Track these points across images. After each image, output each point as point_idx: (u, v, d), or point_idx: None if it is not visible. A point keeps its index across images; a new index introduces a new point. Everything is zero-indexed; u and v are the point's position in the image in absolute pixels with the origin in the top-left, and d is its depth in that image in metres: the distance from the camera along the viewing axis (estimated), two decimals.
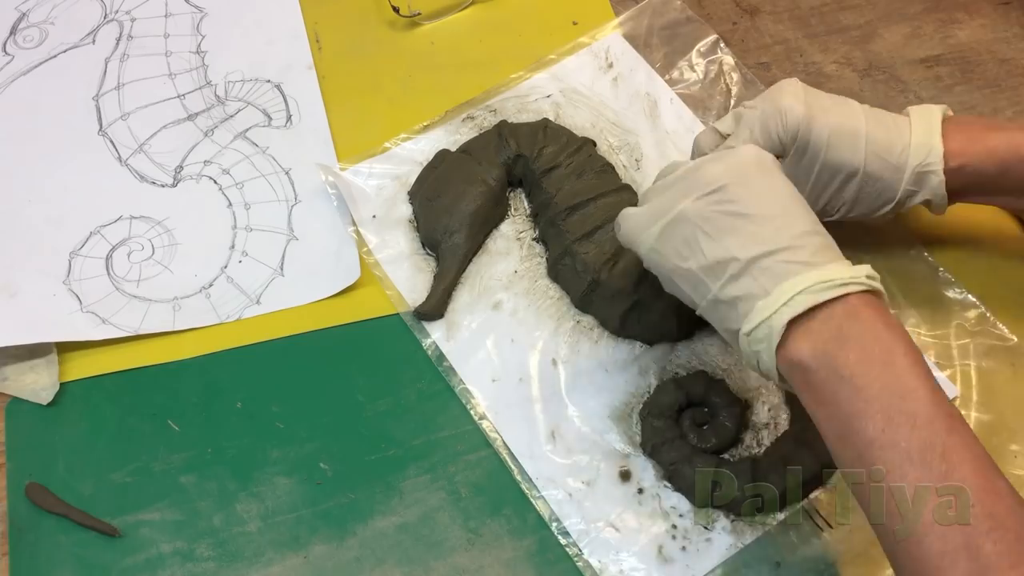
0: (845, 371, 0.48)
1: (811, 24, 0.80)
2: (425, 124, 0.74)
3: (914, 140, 0.59)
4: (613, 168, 0.70)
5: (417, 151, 0.73)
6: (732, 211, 0.52)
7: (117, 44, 0.79)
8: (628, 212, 0.58)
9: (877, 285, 0.50)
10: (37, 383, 0.64)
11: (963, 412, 0.62)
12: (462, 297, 0.67)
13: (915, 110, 0.61)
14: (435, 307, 0.66)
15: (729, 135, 0.61)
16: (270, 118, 0.76)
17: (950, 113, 0.61)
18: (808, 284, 0.49)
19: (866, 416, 0.47)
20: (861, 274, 0.50)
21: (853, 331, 0.48)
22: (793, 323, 0.49)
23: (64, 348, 0.65)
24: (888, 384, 0.47)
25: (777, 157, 0.59)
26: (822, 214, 0.60)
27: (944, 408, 0.47)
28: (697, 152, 0.63)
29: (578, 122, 0.74)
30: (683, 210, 0.53)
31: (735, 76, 0.76)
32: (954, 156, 0.59)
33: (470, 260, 0.68)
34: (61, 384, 0.64)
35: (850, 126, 0.59)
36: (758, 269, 0.51)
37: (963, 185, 0.60)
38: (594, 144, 0.71)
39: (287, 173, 0.73)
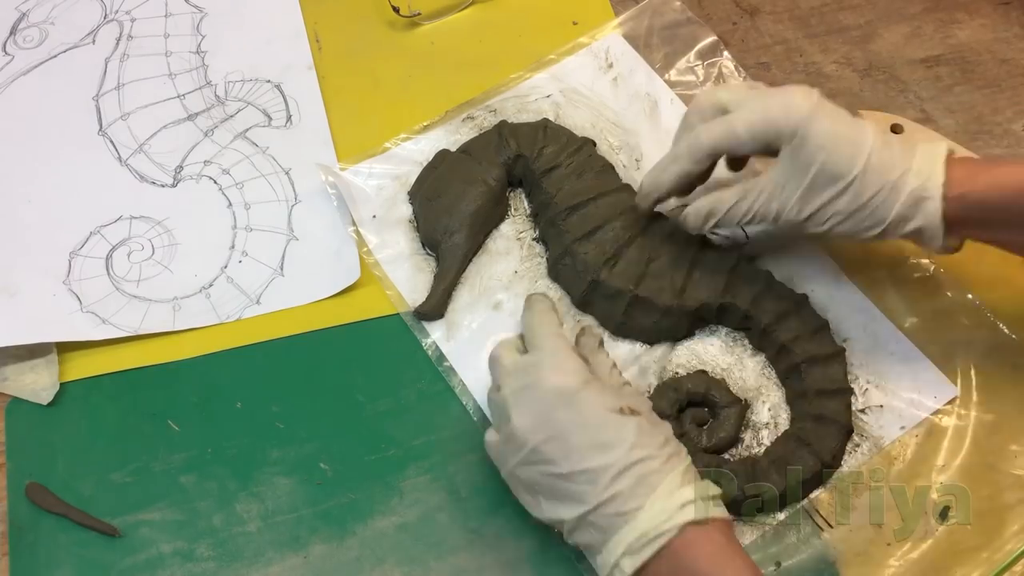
0: None
1: (811, 24, 0.80)
2: (425, 124, 0.74)
3: (916, 165, 0.57)
4: (613, 168, 0.70)
5: (417, 151, 0.73)
6: (550, 473, 0.52)
7: (117, 44, 0.79)
8: (488, 438, 0.57)
9: (701, 511, 0.50)
10: (37, 383, 0.64)
11: (963, 412, 0.63)
12: (462, 297, 0.67)
13: (923, 144, 0.58)
14: (435, 307, 0.66)
15: (729, 111, 0.59)
16: (270, 118, 0.76)
17: (961, 153, 0.59)
18: (629, 542, 0.50)
19: None
20: (675, 506, 0.50)
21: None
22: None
23: (64, 348, 0.65)
24: None
25: (774, 154, 0.58)
26: (808, 223, 0.58)
27: None
28: (696, 116, 0.61)
29: (578, 122, 0.74)
30: (511, 474, 0.55)
31: (735, 77, 0.76)
32: (956, 184, 0.56)
33: (470, 260, 0.68)
34: (61, 384, 0.64)
35: (853, 136, 0.57)
36: (587, 525, 0.52)
37: (964, 216, 0.57)
38: (594, 144, 0.71)
39: (287, 173, 0.73)
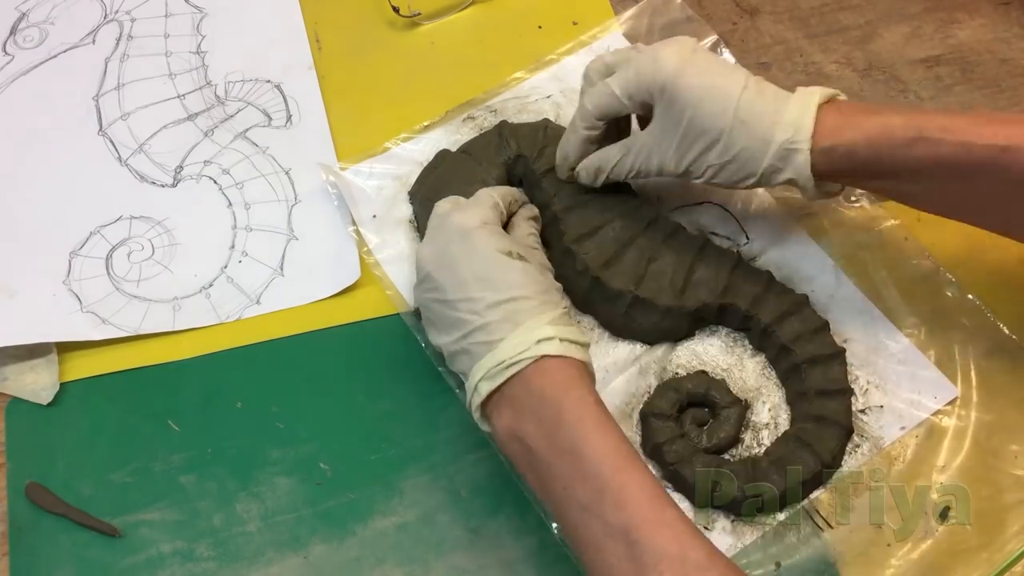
0: (529, 442, 0.52)
1: (811, 24, 0.80)
2: (426, 124, 0.74)
3: (786, 117, 0.57)
4: None
5: (417, 151, 0.73)
6: (438, 299, 0.57)
7: (117, 44, 0.79)
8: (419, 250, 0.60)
9: (556, 348, 0.53)
10: (37, 383, 0.64)
11: (964, 413, 0.62)
12: None
13: (800, 90, 0.59)
14: None
15: (615, 72, 0.62)
16: (270, 118, 0.76)
17: (841, 98, 0.59)
18: (488, 368, 0.54)
19: (550, 479, 0.52)
20: (532, 340, 0.53)
21: (529, 402, 0.53)
22: (492, 396, 0.54)
23: (64, 348, 0.65)
24: (557, 445, 0.51)
25: (646, 116, 0.61)
26: (687, 175, 0.61)
27: (612, 457, 0.50)
28: (586, 82, 0.64)
29: None
30: (415, 299, 0.61)
31: None
32: (825, 136, 0.57)
33: None
34: (61, 384, 0.64)
35: (722, 89, 0.58)
36: (462, 351, 0.56)
37: (833, 167, 0.57)
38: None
39: (287, 173, 0.73)
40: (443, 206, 0.61)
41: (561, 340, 0.54)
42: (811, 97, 0.58)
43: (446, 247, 0.57)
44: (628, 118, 0.66)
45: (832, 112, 0.57)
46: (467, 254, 0.56)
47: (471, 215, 0.58)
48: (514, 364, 0.53)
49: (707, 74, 0.58)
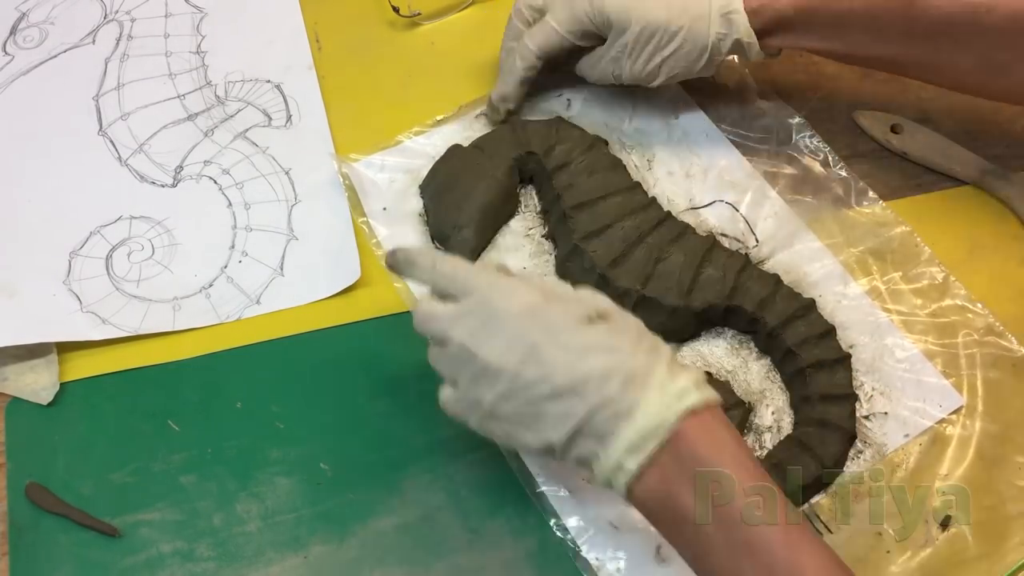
0: (684, 511, 0.48)
1: None
2: (439, 119, 0.74)
3: None
4: (624, 167, 0.70)
5: (430, 145, 0.73)
6: (531, 396, 0.50)
7: (117, 44, 0.79)
8: (444, 395, 0.55)
9: (698, 398, 0.49)
10: (37, 383, 0.64)
11: (968, 422, 0.62)
12: None
13: None
14: None
15: (547, 12, 0.69)
16: (270, 118, 0.76)
17: None
18: (631, 440, 0.48)
19: (710, 550, 0.48)
20: (674, 399, 0.48)
21: (682, 467, 0.48)
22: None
23: (64, 348, 0.65)
24: (720, 515, 0.47)
25: (591, 47, 0.69)
26: (646, 79, 0.69)
27: (781, 532, 0.47)
28: (519, 22, 0.71)
29: (591, 120, 0.74)
30: (489, 415, 0.52)
31: (738, 74, 0.76)
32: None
33: (479, 255, 0.68)
34: (61, 384, 0.64)
35: None
36: (582, 437, 0.49)
37: (767, 27, 0.66)
38: (606, 143, 0.72)
39: (287, 173, 0.73)
40: (469, 303, 0.52)
41: (697, 386, 0.49)
42: None
43: (522, 336, 0.50)
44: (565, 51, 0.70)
45: None
46: (551, 336, 0.50)
47: (525, 292, 0.52)
48: (660, 428, 0.48)
49: None
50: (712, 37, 0.66)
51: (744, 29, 0.66)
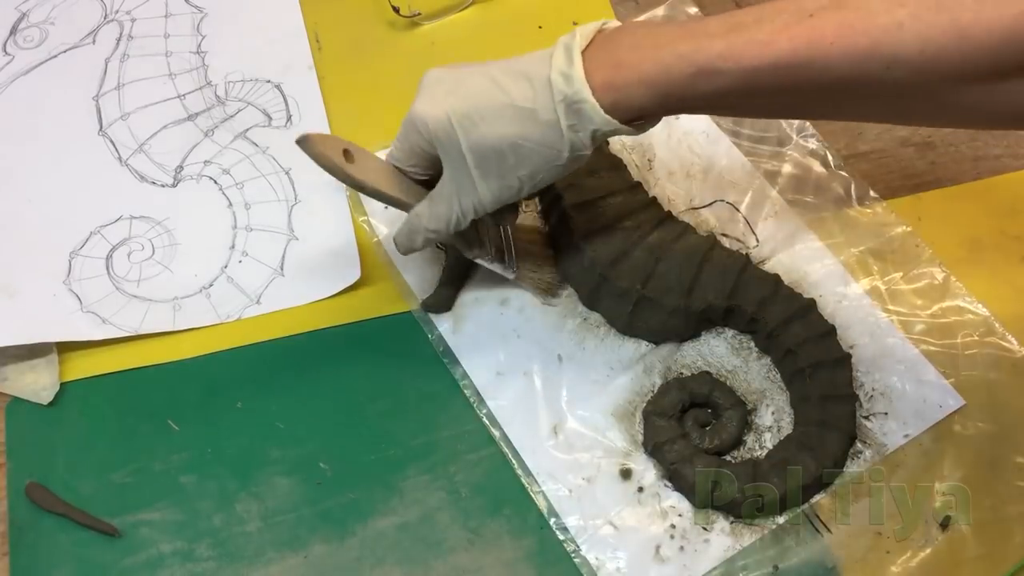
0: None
1: None
2: None
3: (554, 71, 0.52)
4: (625, 167, 0.70)
5: None
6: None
7: (117, 44, 0.79)
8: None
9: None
10: (37, 383, 0.64)
11: (968, 423, 0.62)
12: (470, 292, 0.67)
13: (560, 41, 0.53)
14: (442, 301, 0.66)
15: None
16: (270, 118, 0.76)
17: (612, 25, 0.53)
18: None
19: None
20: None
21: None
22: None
23: (64, 348, 0.65)
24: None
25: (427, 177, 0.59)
26: (517, 195, 0.56)
27: None
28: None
29: None
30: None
31: None
32: (603, 91, 0.51)
33: (479, 256, 0.68)
34: (61, 384, 0.64)
35: (488, 101, 0.54)
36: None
37: (632, 116, 0.52)
38: (606, 142, 0.72)
39: (287, 173, 0.73)
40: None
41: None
42: (573, 45, 0.52)
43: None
44: None
45: (601, 55, 0.52)
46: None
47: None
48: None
49: (467, 99, 0.54)
50: (566, 134, 0.53)
51: (600, 118, 0.52)
